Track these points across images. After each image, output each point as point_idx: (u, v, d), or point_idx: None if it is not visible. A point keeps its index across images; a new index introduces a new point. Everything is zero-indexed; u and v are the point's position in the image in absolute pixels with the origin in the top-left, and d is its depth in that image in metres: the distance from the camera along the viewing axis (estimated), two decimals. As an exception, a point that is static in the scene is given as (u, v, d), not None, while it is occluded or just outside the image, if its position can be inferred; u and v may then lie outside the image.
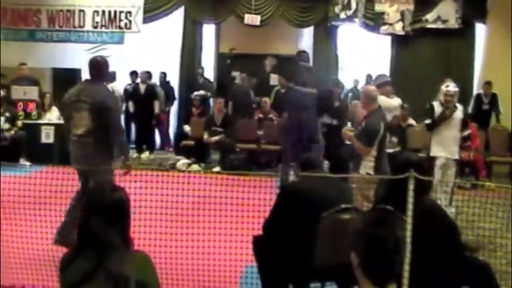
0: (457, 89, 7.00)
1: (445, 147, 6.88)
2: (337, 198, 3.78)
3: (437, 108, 6.91)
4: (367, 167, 5.52)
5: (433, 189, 5.79)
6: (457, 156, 6.97)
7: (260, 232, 4.02)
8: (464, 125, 7.18)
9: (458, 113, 6.95)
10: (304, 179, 4.08)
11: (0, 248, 4.48)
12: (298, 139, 7.54)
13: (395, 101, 7.64)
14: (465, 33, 12.26)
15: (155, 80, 12.63)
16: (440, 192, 6.32)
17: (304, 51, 8.59)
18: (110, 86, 12.13)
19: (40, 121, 10.61)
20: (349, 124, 7.90)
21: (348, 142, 6.36)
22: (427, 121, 7.04)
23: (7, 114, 10.24)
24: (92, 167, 4.98)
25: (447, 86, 6.98)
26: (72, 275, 2.41)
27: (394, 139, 9.45)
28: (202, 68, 13.03)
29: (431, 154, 6.92)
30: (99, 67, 5.44)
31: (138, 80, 11.97)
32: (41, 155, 9.67)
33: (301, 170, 4.22)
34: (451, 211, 5.85)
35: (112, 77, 11.85)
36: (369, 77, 11.94)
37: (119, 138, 5.32)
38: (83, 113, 5.18)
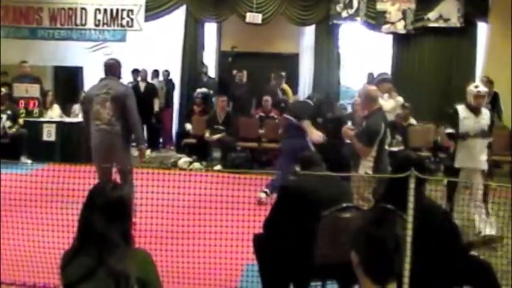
0: (486, 89, 6.28)
1: (471, 157, 5.93)
2: (338, 197, 3.78)
3: (462, 112, 6.04)
4: (366, 166, 5.51)
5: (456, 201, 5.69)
6: (485, 167, 6.03)
7: (261, 230, 4.02)
8: (490, 129, 6.18)
9: (486, 118, 6.07)
10: (305, 178, 4.08)
11: (0, 246, 4.49)
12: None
13: (391, 103, 7.54)
14: (467, 32, 12.24)
15: (159, 78, 12.66)
16: (474, 208, 5.74)
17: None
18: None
19: (42, 119, 10.62)
20: (349, 123, 7.87)
21: (348, 141, 6.34)
22: (449, 130, 6.10)
23: (9, 112, 10.24)
24: (113, 153, 5.91)
25: (476, 87, 6.10)
26: (73, 272, 2.41)
27: (399, 137, 9.45)
28: (206, 66, 13.04)
29: (456, 165, 5.96)
30: (114, 67, 6.31)
31: (139, 78, 11.98)
32: (42, 153, 9.70)
33: (301, 168, 4.22)
34: (490, 221, 5.71)
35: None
36: (370, 75, 11.93)
37: (137, 126, 6.19)
38: (107, 104, 5.97)
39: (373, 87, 6.11)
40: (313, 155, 4.59)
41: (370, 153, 5.49)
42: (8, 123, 10.15)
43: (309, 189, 3.81)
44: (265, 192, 7.24)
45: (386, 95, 6.72)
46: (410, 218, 3.35)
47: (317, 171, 4.05)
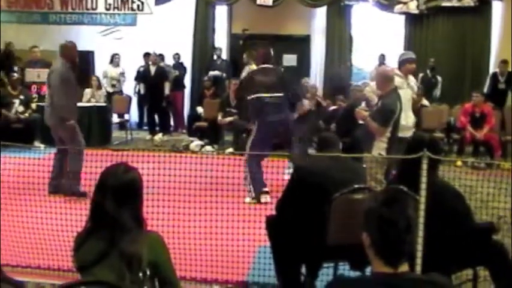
0: None
1: None
2: (351, 179, 3.75)
3: None
4: (379, 148, 5.48)
5: None
6: None
7: (273, 212, 4.01)
8: None
9: None
10: (318, 160, 4.05)
11: None
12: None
13: (407, 93, 7.17)
14: (481, 11, 12.08)
15: (169, 61, 12.63)
16: None
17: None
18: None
19: (54, 103, 10.65)
20: (363, 104, 7.80)
21: (361, 122, 6.29)
22: None
23: (21, 97, 10.29)
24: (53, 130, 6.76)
25: None
26: (85, 254, 2.44)
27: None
28: (220, 49, 12.98)
29: None
30: (62, 49, 6.94)
31: (150, 62, 11.98)
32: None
33: (317, 149, 4.18)
34: None
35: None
36: (381, 57, 11.82)
37: (57, 104, 6.57)
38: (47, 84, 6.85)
39: (388, 68, 6.05)
40: (330, 136, 4.52)
41: (385, 134, 5.45)
42: (20, 108, 10.21)
43: (322, 171, 3.79)
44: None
45: (411, 77, 6.45)
46: (422, 199, 3.33)
47: (333, 152, 4.00)
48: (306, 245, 3.64)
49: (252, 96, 6.59)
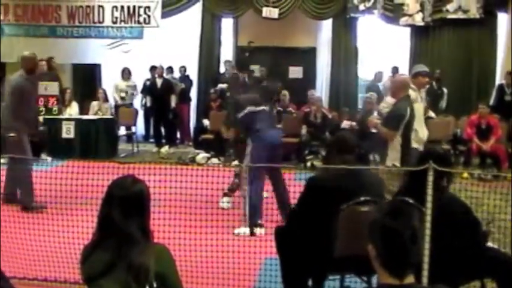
0: None
1: None
2: (365, 192, 3.67)
3: None
4: (393, 158, 5.46)
5: None
6: None
7: (281, 223, 4.00)
8: None
9: None
10: (332, 171, 3.94)
11: None
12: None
13: (420, 107, 7.09)
14: (487, 23, 12.08)
15: (175, 74, 12.70)
16: None
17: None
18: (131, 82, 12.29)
19: (61, 116, 10.72)
20: (375, 113, 7.81)
21: (373, 130, 6.31)
22: None
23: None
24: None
25: None
26: (92, 266, 2.43)
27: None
28: (230, 62, 13.01)
29: None
30: (22, 61, 6.66)
31: (156, 75, 12.05)
32: (61, 150, 9.81)
33: (335, 152, 3.97)
34: None
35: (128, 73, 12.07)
36: (394, 69, 11.81)
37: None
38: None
39: (405, 76, 6.08)
40: (347, 138, 4.26)
41: (397, 138, 5.46)
42: (28, 121, 10.24)
43: (335, 184, 3.73)
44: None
45: (423, 91, 6.37)
46: (428, 211, 3.32)
47: (348, 157, 3.93)
48: (313, 257, 3.63)
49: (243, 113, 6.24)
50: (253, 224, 5.76)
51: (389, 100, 6.46)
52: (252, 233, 5.64)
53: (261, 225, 5.79)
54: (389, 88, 6.03)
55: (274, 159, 6.09)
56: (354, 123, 10.28)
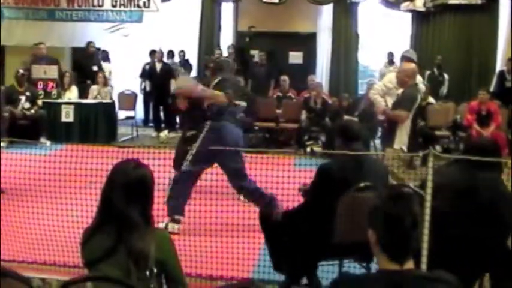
0: None
1: None
2: (373, 179, 3.66)
3: None
4: (401, 142, 5.48)
5: None
6: None
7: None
8: None
9: None
10: (340, 159, 3.92)
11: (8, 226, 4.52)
12: None
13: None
14: (488, 8, 12.01)
15: (175, 59, 12.64)
16: None
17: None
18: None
19: (60, 100, 10.69)
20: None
21: (381, 117, 6.39)
22: None
23: (27, 93, 10.31)
24: None
25: None
26: (92, 250, 2.43)
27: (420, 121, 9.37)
28: (232, 46, 12.92)
29: None
30: None
31: (155, 59, 11.99)
32: (61, 134, 9.81)
33: (343, 141, 3.92)
34: None
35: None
36: (390, 54, 11.78)
37: None
38: None
39: (411, 65, 6.12)
40: (354, 126, 4.23)
41: (407, 123, 5.48)
42: (27, 105, 10.23)
43: (343, 173, 3.69)
44: None
45: (418, 77, 6.44)
46: (428, 197, 3.32)
47: (357, 145, 3.89)
48: (313, 242, 3.63)
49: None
50: (171, 216, 5.15)
51: (377, 86, 6.56)
52: (166, 227, 4.89)
53: (178, 221, 5.15)
54: (397, 76, 6.03)
55: (220, 156, 5.34)
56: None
